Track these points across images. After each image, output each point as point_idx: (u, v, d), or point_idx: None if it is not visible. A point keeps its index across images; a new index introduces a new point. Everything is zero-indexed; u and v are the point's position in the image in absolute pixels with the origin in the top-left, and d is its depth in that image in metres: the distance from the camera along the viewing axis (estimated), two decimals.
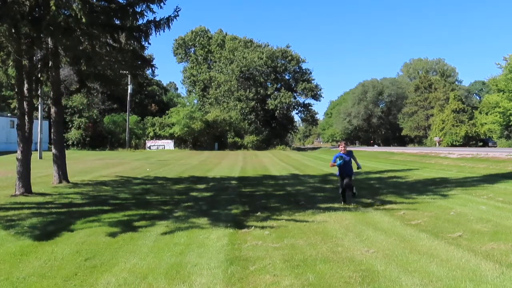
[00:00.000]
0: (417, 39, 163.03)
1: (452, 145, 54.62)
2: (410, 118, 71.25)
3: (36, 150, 27.22)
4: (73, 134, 44.22)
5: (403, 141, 75.20)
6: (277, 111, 58.18)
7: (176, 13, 12.53)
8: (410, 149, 41.37)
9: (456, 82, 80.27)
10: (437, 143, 58.63)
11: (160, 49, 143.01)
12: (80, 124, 44.78)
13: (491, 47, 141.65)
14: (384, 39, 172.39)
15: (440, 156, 26.77)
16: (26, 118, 11.19)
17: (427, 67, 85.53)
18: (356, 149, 52.45)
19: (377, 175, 17.13)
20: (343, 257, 5.12)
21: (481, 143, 57.45)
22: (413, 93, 71.80)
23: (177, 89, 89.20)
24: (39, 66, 12.81)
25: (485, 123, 53.65)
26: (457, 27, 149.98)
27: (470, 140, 57.39)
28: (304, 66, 63.26)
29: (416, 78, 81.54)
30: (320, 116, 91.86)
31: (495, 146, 51.51)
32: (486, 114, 54.81)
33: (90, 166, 21.47)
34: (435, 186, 12.72)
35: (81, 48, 12.12)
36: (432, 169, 19.48)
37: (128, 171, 19.09)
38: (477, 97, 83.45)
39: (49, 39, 12.46)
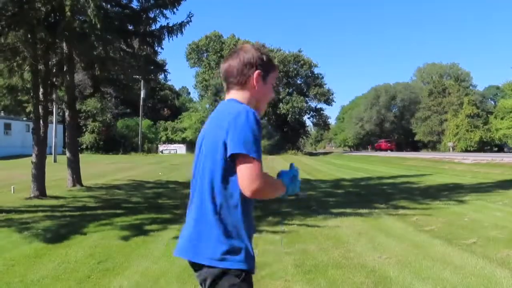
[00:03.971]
0: (431, 43, 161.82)
1: (467, 151, 53.91)
2: (423, 123, 70.51)
3: (50, 153, 27.55)
4: (87, 138, 44.65)
5: (416, 146, 74.49)
6: (289, 115, 58.09)
7: (189, 18, 12.65)
8: (424, 155, 40.99)
9: (471, 87, 79.18)
10: (451, 149, 57.96)
11: (173, 54, 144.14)
12: (94, 128, 45.21)
13: (506, 51, 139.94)
14: (397, 43, 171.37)
15: (454, 161, 26.48)
16: (41, 122, 11.34)
17: (441, 71, 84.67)
18: (369, 154, 52.13)
19: (390, 181, 16.99)
20: (355, 263, 5.08)
21: (496, 149, 56.69)
22: (427, 98, 71.09)
23: (189, 93, 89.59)
24: (54, 70, 12.99)
25: (500, 128, 52.93)
26: (471, 31, 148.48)
27: (484, 146, 56.66)
28: (316, 70, 63.15)
29: (430, 82, 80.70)
30: (332, 121, 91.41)
31: (511, 152, 50.78)
32: (501, 119, 54.07)
33: (104, 170, 21.65)
34: (448, 191, 12.58)
35: (95, 53, 12.28)
36: (446, 175, 19.26)
37: (141, 175, 19.21)
38: (492, 102, 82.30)
39: (64, 44, 12.65)
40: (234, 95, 1.79)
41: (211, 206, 1.69)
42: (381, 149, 61.55)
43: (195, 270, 1.77)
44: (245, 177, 1.60)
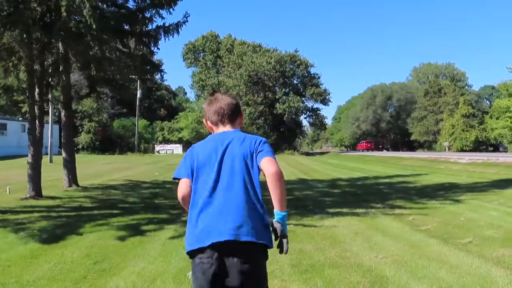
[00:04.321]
0: (427, 43, 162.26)
1: (462, 150, 54.09)
2: (419, 123, 70.73)
3: (46, 154, 27.44)
4: (83, 138, 44.50)
5: (412, 146, 74.70)
6: (286, 115, 58.08)
7: (185, 18, 12.64)
8: (420, 154, 41.11)
9: (466, 87, 79.57)
10: (446, 148, 58.17)
11: (169, 54, 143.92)
12: (90, 128, 45.05)
13: (502, 51, 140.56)
14: (393, 43, 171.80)
15: (450, 161, 26.58)
16: (37, 122, 11.31)
17: (437, 71, 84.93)
18: (365, 154, 52.24)
19: (386, 180, 17.03)
20: (351, 263, 5.09)
21: (491, 148, 56.87)
22: (423, 98, 71.31)
23: (186, 93, 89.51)
24: (50, 70, 12.95)
25: (496, 128, 53.12)
26: (467, 31, 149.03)
27: (480, 145, 56.86)
28: (312, 70, 63.15)
29: (426, 82, 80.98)
30: (328, 121, 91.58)
31: (506, 151, 50.99)
32: (497, 119, 54.25)
33: (100, 170, 21.60)
34: (444, 191, 12.62)
35: (91, 53, 12.25)
36: (442, 174, 19.33)
37: (137, 175, 19.18)
38: (487, 101, 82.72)
39: (60, 44, 12.61)
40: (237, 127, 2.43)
41: (259, 202, 2.19)
42: (363, 149, 67.49)
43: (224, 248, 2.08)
44: (275, 164, 2.15)
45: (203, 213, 2.14)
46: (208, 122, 2.43)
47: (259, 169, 2.17)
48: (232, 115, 2.37)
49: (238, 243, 2.07)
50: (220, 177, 2.18)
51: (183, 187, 2.26)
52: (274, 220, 2.18)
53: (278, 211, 2.16)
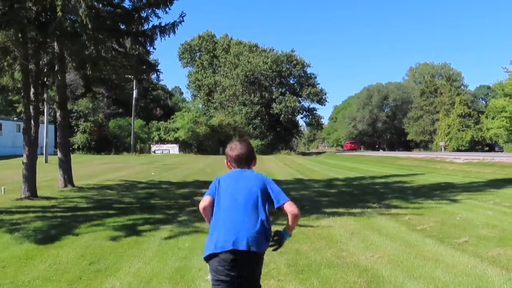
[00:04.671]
0: (423, 43, 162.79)
1: (458, 150, 54.33)
2: (415, 122, 71.00)
3: (42, 154, 27.33)
4: (78, 138, 44.36)
5: (408, 146, 74.93)
6: (282, 115, 58.12)
7: (181, 18, 12.61)
8: (416, 154, 41.22)
9: (462, 87, 79.87)
10: (442, 148, 58.39)
11: (165, 54, 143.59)
12: (86, 128, 44.92)
13: (497, 51, 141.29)
14: (389, 43, 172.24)
15: (446, 161, 26.67)
16: (32, 122, 11.25)
17: (433, 71, 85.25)
18: (361, 154, 52.34)
19: (383, 180, 17.07)
20: (347, 262, 5.10)
21: (487, 148, 57.17)
22: (419, 98, 71.59)
23: (182, 93, 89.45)
24: (45, 70, 12.90)
25: (491, 128, 53.31)
26: (463, 31, 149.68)
27: (476, 145, 57.14)
28: (309, 70, 63.29)
29: (422, 82, 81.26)
30: (324, 121, 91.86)
31: (502, 151, 51.20)
32: (493, 118, 54.42)
33: (95, 170, 21.54)
34: (440, 191, 12.66)
35: (87, 53, 12.21)
36: (438, 174, 19.39)
37: (133, 175, 19.14)
38: (483, 101, 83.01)
39: (55, 44, 12.57)
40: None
41: (266, 222, 2.82)
42: (348, 149, 74.36)
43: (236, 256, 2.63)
44: (296, 208, 2.84)
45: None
46: (229, 163, 3.08)
47: (279, 208, 2.84)
48: (248, 161, 3.03)
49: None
50: (237, 199, 2.82)
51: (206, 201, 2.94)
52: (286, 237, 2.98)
53: (289, 234, 2.98)
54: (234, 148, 3.04)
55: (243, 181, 2.88)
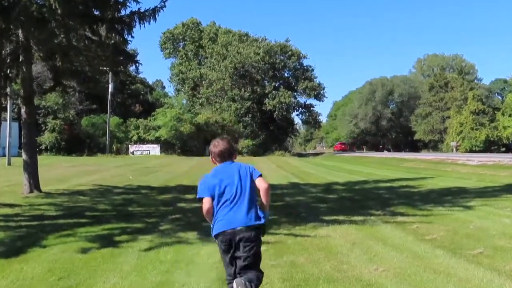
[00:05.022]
0: (432, 32, 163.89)
1: (471, 151, 54.76)
2: (423, 120, 71.45)
3: (4, 155, 27.15)
4: (46, 137, 44.04)
5: (416, 146, 75.42)
6: (276, 112, 58.18)
7: (163, 3, 12.60)
8: (424, 155, 41.49)
9: (476, 81, 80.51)
10: (454, 149, 58.84)
11: (145, 44, 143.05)
12: (55, 126, 44.60)
13: None
14: (394, 32, 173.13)
15: (457, 163, 26.86)
16: None
17: (443, 63, 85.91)
18: (364, 155, 52.60)
19: (387, 184, 17.14)
20: (349, 276, 5.10)
21: (503, 149, 57.66)
22: (427, 93, 72.06)
23: (164, 87, 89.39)
24: (8, 61, 12.78)
25: (508, 126, 53.85)
26: (476, 19, 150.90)
27: (491, 145, 57.59)
28: (305, 62, 63.54)
29: (431, 75, 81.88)
30: (323, 118, 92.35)
31: None
32: (510, 116, 55.04)
33: (66, 173, 21.40)
34: (452, 196, 12.73)
35: (56, 41, 12.11)
36: (449, 178, 19.52)
37: (108, 179, 19.04)
38: (499, 97, 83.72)
39: (20, 32, 12.44)
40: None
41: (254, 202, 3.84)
42: (338, 151, 77.48)
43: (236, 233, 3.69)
44: (265, 181, 3.91)
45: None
46: (213, 159, 3.99)
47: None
48: (230, 156, 3.96)
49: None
50: (237, 189, 3.81)
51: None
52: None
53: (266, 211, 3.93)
54: (217, 145, 3.92)
55: (228, 172, 3.85)
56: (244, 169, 3.87)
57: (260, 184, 3.80)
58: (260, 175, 3.86)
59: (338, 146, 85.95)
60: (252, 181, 3.82)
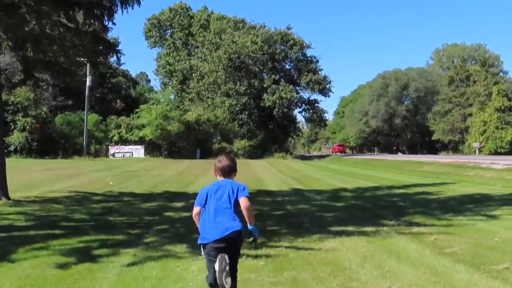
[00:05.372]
0: (452, 20, 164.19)
1: (496, 153, 54.85)
2: (442, 118, 71.55)
3: None
4: (15, 137, 43.95)
5: (433, 148, 75.55)
6: (276, 109, 58.24)
7: None
8: (443, 158, 41.55)
9: (501, 74, 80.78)
10: (476, 150, 58.93)
11: (128, 31, 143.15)
12: (25, 125, 44.51)
13: None
14: (409, 20, 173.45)
15: (481, 166, 26.88)
16: None
17: (464, 54, 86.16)
18: (375, 157, 52.64)
19: (402, 191, 17.17)
20: None
21: None
22: (447, 87, 72.17)
23: (149, 81, 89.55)
24: None
25: None
26: (501, 5, 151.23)
27: None
28: (309, 53, 63.63)
29: (450, 68, 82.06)
30: (329, 116, 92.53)
31: None
32: None
33: (38, 178, 21.37)
34: (474, 204, 12.76)
35: (27, 29, 12.09)
36: (471, 183, 19.55)
37: (86, 185, 19.03)
38: None
39: None
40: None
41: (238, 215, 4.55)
42: (336, 152, 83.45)
43: (220, 241, 4.40)
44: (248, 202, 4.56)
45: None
46: (216, 172, 4.80)
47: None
48: (230, 172, 4.78)
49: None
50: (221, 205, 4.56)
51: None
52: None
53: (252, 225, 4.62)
54: (221, 160, 4.78)
55: (221, 189, 4.62)
56: (236, 186, 4.59)
57: (242, 203, 4.50)
58: (247, 196, 4.53)
59: (336, 148, 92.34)
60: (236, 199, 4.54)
